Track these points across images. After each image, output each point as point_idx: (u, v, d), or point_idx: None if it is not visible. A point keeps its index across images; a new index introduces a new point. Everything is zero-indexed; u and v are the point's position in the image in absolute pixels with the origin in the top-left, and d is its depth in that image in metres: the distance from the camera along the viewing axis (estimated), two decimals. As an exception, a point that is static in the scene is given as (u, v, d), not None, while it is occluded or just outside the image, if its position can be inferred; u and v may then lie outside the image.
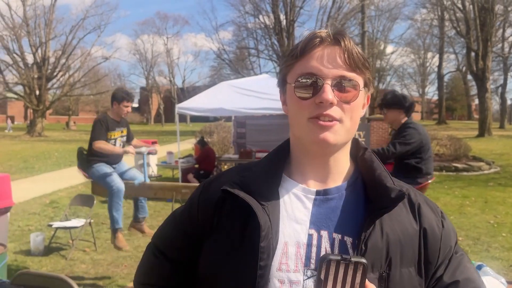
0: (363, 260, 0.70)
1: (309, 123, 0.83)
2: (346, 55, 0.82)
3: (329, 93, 0.81)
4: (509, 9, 28.37)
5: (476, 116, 37.59)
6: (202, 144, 9.97)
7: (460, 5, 26.33)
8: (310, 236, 0.83)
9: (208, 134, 14.40)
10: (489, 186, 9.96)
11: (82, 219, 5.68)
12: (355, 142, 0.95)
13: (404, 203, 0.88)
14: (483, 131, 25.04)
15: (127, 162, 4.96)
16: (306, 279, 0.81)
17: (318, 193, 0.87)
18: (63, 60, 33.68)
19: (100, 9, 53.76)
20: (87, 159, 4.42)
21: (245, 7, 31.31)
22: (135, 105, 62.58)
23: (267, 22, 30.21)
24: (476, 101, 36.88)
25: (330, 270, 0.69)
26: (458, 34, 29.25)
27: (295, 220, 0.85)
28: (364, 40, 28.91)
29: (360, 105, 0.87)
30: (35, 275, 1.97)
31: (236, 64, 33.97)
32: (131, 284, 4.38)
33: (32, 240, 5.32)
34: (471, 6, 25.44)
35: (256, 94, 8.76)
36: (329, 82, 0.81)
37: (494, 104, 43.37)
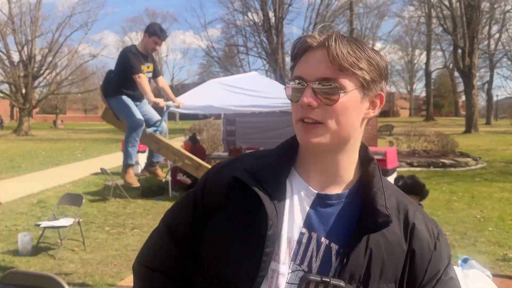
0: (342, 284, 0.74)
1: (297, 125, 0.86)
2: (330, 57, 0.81)
3: (306, 96, 0.82)
4: (495, 6, 28.77)
5: (463, 112, 38.03)
6: (193, 141, 9.95)
7: (447, 3, 26.60)
8: (301, 235, 0.86)
9: (197, 131, 14.37)
10: (476, 182, 10.10)
11: (70, 218, 5.63)
12: (363, 150, 0.93)
13: (399, 220, 0.88)
14: (470, 127, 25.36)
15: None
16: (290, 272, 0.85)
17: (318, 196, 0.88)
18: (49, 58, 33.24)
19: (87, 6, 52.97)
20: (114, 88, 4.10)
21: (233, 4, 31.29)
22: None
23: (256, 20, 30.23)
24: (463, 98, 37.33)
25: None
26: (445, 32, 29.56)
27: (292, 216, 0.87)
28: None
29: (351, 107, 0.83)
30: (25, 274, 1.95)
31: (225, 61, 33.91)
32: (121, 283, 4.38)
33: (20, 240, 5.27)
34: (457, 4, 25.71)
35: (245, 91, 8.77)
36: (310, 85, 0.82)
37: (480, 101, 43.93)
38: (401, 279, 0.86)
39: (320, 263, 0.85)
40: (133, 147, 4.17)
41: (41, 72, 33.02)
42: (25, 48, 31.98)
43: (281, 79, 25.02)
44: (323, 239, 0.86)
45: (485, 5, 27.41)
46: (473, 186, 9.57)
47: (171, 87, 56.47)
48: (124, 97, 4.09)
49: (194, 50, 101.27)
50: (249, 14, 30.56)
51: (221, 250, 0.87)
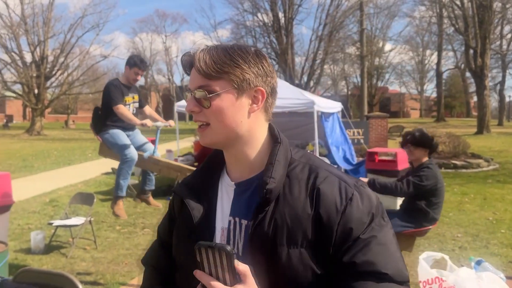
0: (226, 247, 0.80)
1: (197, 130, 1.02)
2: (196, 69, 0.95)
3: (188, 103, 0.98)
4: (507, 6, 28.39)
5: (474, 113, 37.63)
6: (203, 141, 9.96)
7: (458, 3, 26.33)
8: (229, 222, 1.00)
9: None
10: (488, 183, 9.98)
11: (82, 218, 5.68)
12: (270, 135, 1.03)
13: (307, 188, 0.95)
14: (481, 128, 25.08)
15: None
16: None
17: (236, 185, 1.02)
18: (61, 59, 33.62)
19: (99, 7, 53.54)
20: (103, 122, 4.21)
21: (243, 5, 31.29)
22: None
23: (266, 20, 30.21)
24: (475, 99, 36.95)
25: (203, 255, 0.82)
26: (457, 32, 29.26)
27: (222, 208, 1.03)
28: (362, 37, 28.93)
29: (226, 106, 0.95)
30: (37, 272, 1.98)
31: (235, 62, 33.90)
32: (132, 282, 4.41)
33: (33, 238, 5.33)
34: (469, 4, 25.44)
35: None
36: (190, 94, 0.98)
37: (492, 101, 43.52)
38: (312, 242, 0.91)
39: (243, 243, 0.97)
40: (124, 180, 4.26)
41: (53, 72, 33.39)
42: (38, 49, 32.36)
43: (290, 79, 24.98)
44: (242, 220, 0.98)
45: (497, 5, 27.08)
46: (485, 187, 9.46)
47: (181, 87, 56.39)
48: (114, 130, 4.20)
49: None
50: (259, 14, 30.60)
51: (177, 248, 1.09)
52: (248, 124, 0.98)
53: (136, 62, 4.16)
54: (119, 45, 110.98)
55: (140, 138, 4.51)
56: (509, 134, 25.24)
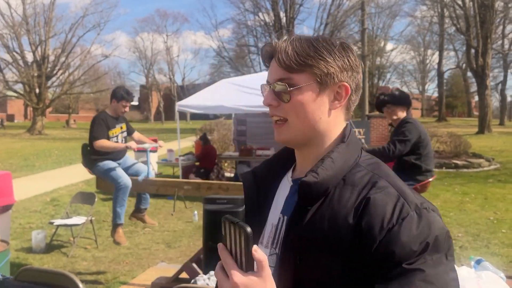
0: (246, 228, 0.74)
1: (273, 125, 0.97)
2: (277, 60, 0.90)
3: (266, 97, 0.93)
4: (509, 5, 28.33)
5: (476, 113, 37.58)
6: (204, 140, 9.98)
7: (460, 2, 26.28)
8: (279, 219, 0.95)
9: (208, 131, 14.40)
10: (489, 183, 9.97)
11: (83, 217, 5.69)
12: (343, 136, 0.94)
13: (358, 194, 0.84)
14: (483, 128, 25.03)
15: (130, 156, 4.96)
16: (269, 256, 0.93)
17: (294, 182, 0.96)
18: (62, 58, 33.62)
19: (100, 7, 53.20)
20: (90, 157, 4.41)
21: (244, 5, 31.25)
22: (135, 103, 62.49)
23: (267, 20, 30.17)
24: (476, 98, 36.90)
25: (227, 229, 0.78)
26: (458, 31, 29.20)
27: (276, 204, 0.98)
28: (364, 37, 28.87)
29: (307, 101, 0.89)
30: (39, 271, 1.98)
31: (236, 61, 33.94)
32: (133, 281, 4.41)
33: (34, 237, 5.34)
34: (471, 3, 25.39)
35: (256, 91, 8.75)
36: (270, 87, 0.92)
37: (494, 101, 43.40)
38: (346, 255, 0.81)
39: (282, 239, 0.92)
40: (121, 207, 4.38)
41: (55, 72, 33.42)
42: (39, 49, 32.39)
43: (292, 79, 24.98)
44: (286, 218, 0.93)
45: (499, 5, 27.03)
46: (486, 187, 9.45)
47: (182, 87, 56.41)
48: (104, 162, 4.32)
49: (205, 51, 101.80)
50: (260, 14, 30.55)
51: None
52: (327, 122, 0.92)
53: (124, 96, 4.37)
54: (120, 44, 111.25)
55: (130, 161, 4.65)
56: (510, 134, 25.19)
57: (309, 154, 0.94)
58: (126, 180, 4.29)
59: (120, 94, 4.38)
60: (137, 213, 4.74)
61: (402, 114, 4.00)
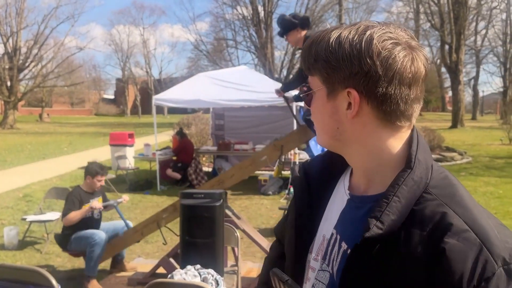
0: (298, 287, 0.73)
1: None
2: (303, 60, 0.82)
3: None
4: (482, 2, 29.06)
5: (449, 108, 38.47)
6: (181, 135, 9.90)
7: (434, -1, 26.78)
8: (332, 234, 0.84)
9: (186, 126, 14.30)
10: (461, 176, 10.24)
11: (57, 212, 5.58)
12: (402, 153, 0.78)
13: (429, 237, 0.69)
14: (456, 122, 25.65)
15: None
16: (319, 270, 0.85)
17: (351, 196, 0.84)
18: (35, 50, 32.70)
19: (74, -2, 52.27)
20: (63, 234, 4.33)
21: (222, -2, 31.02)
22: (111, 96, 61.44)
23: (245, 13, 30.05)
24: (450, 93, 37.75)
25: (276, 283, 0.77)
26: (433, 27, 29.75)
27: (331, 214, 0.87)
28: (341, 32, 29.09)
29: (317, 107, 0.81)
30: (11, 268, 1.94)
31: (214, 55, 33.72)
32: (109, 277, 4.36)
33: (6, 234, 5.21)
34: (445, 0, 25.90)
35: (234, 85, 8.75)
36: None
37: (467, 96, 44.40)
38: None
39: (337, 267, 0.80)
40: (96, 261, 4.16)
41: (27, 64, 32.47)
42: (10, 40, 31.39)
43: (270, 73, 24.99)
44: (343, 243, 0.80)
45: (472, 2, 27.68)
46: (459, 180, 9.69)
47: (159, 81, 55.51)
48: (75, 235, 4.21)
49: (183, 44, 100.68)
50: (238, 7, 30.39)
51: (285, 230, 0.98)
52: (350, 133, 0.78)
53: (98, 171, 4.41)
54: (96, 37, 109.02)
55: (107, 225, 4.61)
56: (482, 128, 25.92)
57: (357, 166, 0.83)
58: (100, 234, 4.18)
59: (94, 170, 4.41)
60: (118, 264, 4.61)
61: (296, 37, 3.96)
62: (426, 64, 0.77)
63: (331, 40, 0.75)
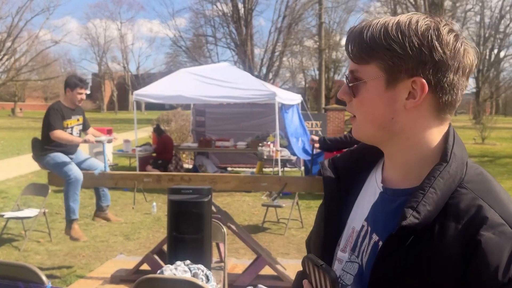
0: (331, 273, 0.72)
1: None
2: (347, 47, 0.80)
3: (340, 90, 0.83)
4: (457, 5, 29.75)
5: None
6: (158, 132, 9.80)
7: (412, 0, 27.30)
8: (362, 226, 0.84)
9: (165, 122, 14.14)
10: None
11: (35, 209, 5.45)
12: (440, 146, 0.79)
13: (464, 230, 0.70)
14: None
15: (83, 150, 4.81)
16: (347, 262, 0.85)
17: (384, 189, 0.84)
18: (8, 43, 31.84)
19: (49, -10, 50.90)
20: (42, 148, 4.22)
21: (202, -6, 30.76)
22: (87, 91, 60.17)
23: (225, 10, 29.90)
24: (425, 93, 38.60)
25: (310, 269, 0.76)
26: (410, 28, 30.36)
27: (361, 206, 0.87)
28: (321, 31, 29.34)
29: (371, 97, 0.78)
30: (-3, 265, 1.89)
31: (193, 51, 33.43)
32: (90, 274, 4.29)
33: (-19, 231, 5.06)
34: (422, 1, 26.46)
35: (216, 82, 8.71)
36: (346, 78, 0.82)
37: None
38: None
39: (367, 259, 0.80)
40: (74, 202, 4.22)
41: (-1, 57, 31.57)
42: (-18, 32, 30.45)
43: (250, 70, 24.97)
44: (374, 235, 0.81)
45: (447, 4, 28.34)
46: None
47: (137, 76, 54.87)
48: (55, 154, 4.16)
49: (161, 39, 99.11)
50: (218, 4, 30.20)
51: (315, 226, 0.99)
52: (403, 124, 0.77)
53: (77, 83, 4.25)
54: (71, 30, 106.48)
55: (83, 156, 4.51)
56: (455, 128, 26.48)
57: (393, 156, 0.82)
58: (77, 173, 4.12)
59: (73, 82, 4.25)
60: (100, 211, 4.58)
61: None
62: (477, 56, 0.79)
63: (389, 29, 0.75)
